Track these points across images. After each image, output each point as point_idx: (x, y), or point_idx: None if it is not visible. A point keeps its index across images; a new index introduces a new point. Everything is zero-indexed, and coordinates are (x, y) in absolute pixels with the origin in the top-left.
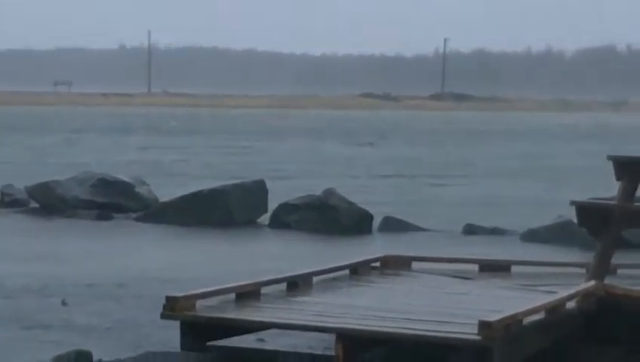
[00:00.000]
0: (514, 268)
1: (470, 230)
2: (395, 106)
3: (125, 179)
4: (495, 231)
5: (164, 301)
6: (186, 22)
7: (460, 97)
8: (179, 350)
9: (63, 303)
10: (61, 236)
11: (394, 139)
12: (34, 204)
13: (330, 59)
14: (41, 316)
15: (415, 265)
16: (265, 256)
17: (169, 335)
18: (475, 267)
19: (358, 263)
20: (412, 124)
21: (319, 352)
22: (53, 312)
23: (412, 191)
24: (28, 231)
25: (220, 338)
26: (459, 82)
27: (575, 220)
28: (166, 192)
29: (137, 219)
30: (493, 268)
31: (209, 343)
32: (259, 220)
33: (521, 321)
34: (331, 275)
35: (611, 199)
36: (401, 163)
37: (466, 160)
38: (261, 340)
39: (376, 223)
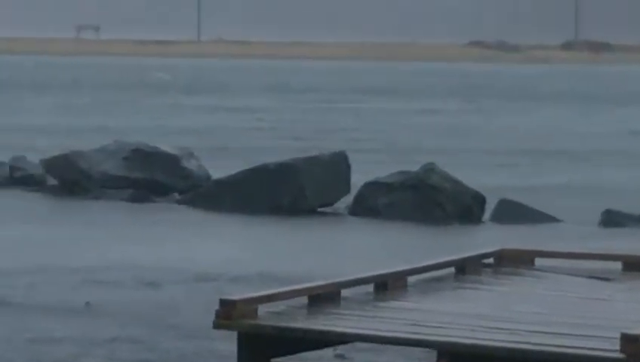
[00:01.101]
0: None
1: (611, 219)
2: (516, 59)
3: (168, 149)
4: None
5: (216, 306)
6: None
7: (598, 46)
8: None
9: (87, 305)
10: (84, 222)
11: (518, 102)
12: (52, 181)
13: None
14: (56, 324)
15: (539, 262)
16: (346, 250)
17: (223, 350)
18: (618, 265)
19: (465, 259)
20: (541, 81)
21: None
22: (74, 317)
23: (538, 173)
24: (42, 216)
25: (289, 353)
26: (598, 26)
27: None
28: (220, 168)
29: (183, 202)
30: None
31: (274, 360)
32: (338, 204)
33: None
34: (431, 274)
35: None
36: (528, 135)
37: (617, 132)
38: (341, 356)
39: (489, 209)
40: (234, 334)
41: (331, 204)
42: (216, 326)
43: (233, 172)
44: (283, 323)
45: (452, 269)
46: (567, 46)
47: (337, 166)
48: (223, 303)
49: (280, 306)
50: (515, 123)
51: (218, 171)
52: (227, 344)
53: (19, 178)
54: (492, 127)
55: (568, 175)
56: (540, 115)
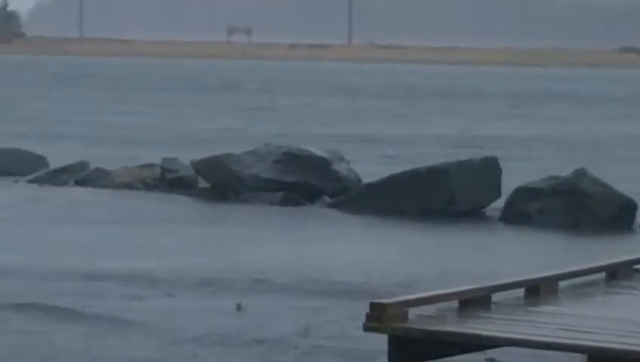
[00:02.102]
0: None
1: None
2: None
3: (318, 152)
4: None
5: (367, 309)
6: None
7: None
8: None
9: (238, 308)
10: (235, 226)
11: None
12: (202, 184)
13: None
14: (212, 322)
15: None
16: (497, 254)
17: (373, 352)
18: None
19: (617, 264)
20: None
21: None
22: (225, 317)
23: None
24: (194, 219)
25: (439, 357)
26: None
27: None
28: (370, 171)
29: (333, 206)
30: None
31: None
32: (489, 208)
33: None
34: (583, 279)
35: None
36: None
37: None
38: (491, 361)
39: None
40: (384, 337)
41: (482, 208)
42: (366, 329)
43: (382, 176)
44: (433, 327)
45: (603, 274)
46: None
47: (488, 170)
48: (374, 306)
49: (430, 310)
50: None
51: (366, 174)
52: (377, 346)
53: (170, 180)
54: None
55: None
56: None
